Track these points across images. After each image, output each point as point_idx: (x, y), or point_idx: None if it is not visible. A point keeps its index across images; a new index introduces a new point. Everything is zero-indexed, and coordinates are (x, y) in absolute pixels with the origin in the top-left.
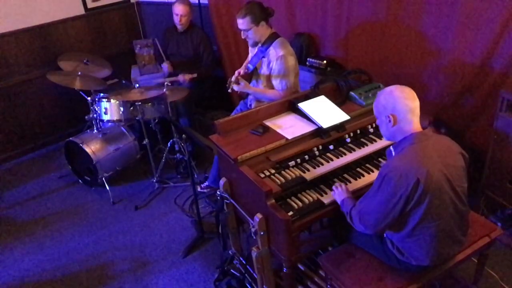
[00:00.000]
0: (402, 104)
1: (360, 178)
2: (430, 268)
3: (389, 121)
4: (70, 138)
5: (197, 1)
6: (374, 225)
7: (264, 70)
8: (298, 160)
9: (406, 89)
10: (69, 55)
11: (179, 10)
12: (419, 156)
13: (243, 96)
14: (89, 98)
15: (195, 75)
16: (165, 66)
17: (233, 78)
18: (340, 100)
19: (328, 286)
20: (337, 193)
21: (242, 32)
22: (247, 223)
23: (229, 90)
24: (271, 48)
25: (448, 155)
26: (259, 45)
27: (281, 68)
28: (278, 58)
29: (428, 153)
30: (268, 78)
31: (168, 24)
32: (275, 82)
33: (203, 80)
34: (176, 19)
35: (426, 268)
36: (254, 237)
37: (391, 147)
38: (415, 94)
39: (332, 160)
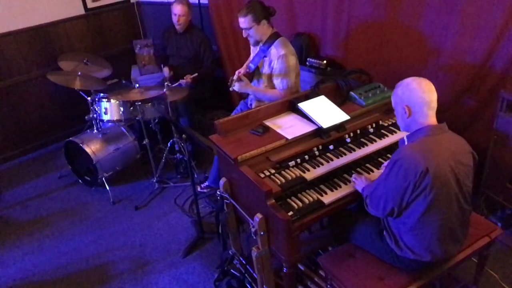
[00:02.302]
0: (418, 97)
1: None
2: (430, 267)
3: (405, 112)
4: (70, 138)
5: (197, 1)
6: (382, 206)
7: (266, 69)
8: (298, 160)
9: (423, 82)
10: (69, 55)
11: (177, 10)
12: (431, 147)
13: (243, 96)
14: (89, 98)
15: (195, 74)
16: (165, 71)
17: (235, 77)
18: (340, 100)
19: (328, 286)
20: (358, 183)
21: (243, 31)
22: (247, 223)
23: (232, 89)
24: (272, 47)
25: (459, 152)
26: (261, 44)
27: (282, 67)
28: (279, 57)
29: (440, 147)
30: (270, 77)
31: (168, 24)
32: (276, 82)
33: (203, 80)
34: (175, 19)
35: (426, 266)
36: (254, 237)
37: (404, 137)
38: (433, 87)
39: (332, 160)
